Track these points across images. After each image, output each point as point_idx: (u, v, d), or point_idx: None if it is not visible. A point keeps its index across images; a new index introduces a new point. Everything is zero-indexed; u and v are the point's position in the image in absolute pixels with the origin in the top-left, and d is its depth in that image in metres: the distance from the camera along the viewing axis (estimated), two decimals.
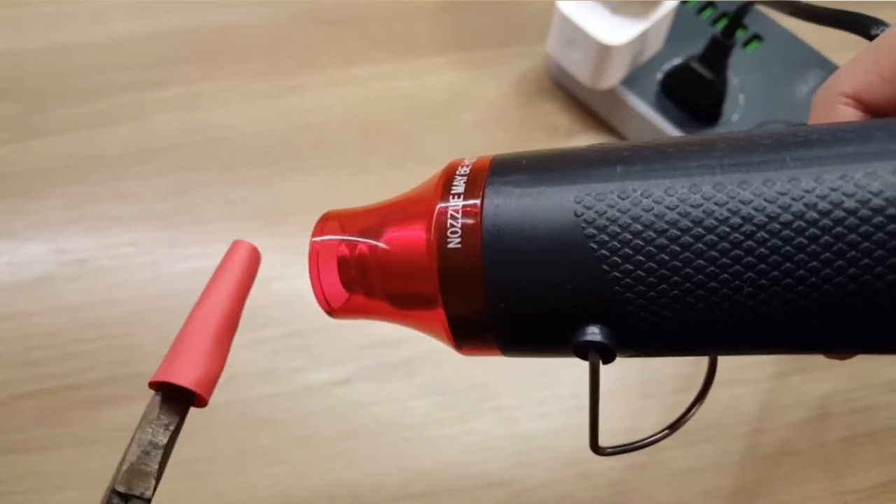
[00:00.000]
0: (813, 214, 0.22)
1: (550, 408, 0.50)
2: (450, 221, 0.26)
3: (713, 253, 0.23)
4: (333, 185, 0.57)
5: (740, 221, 0.22)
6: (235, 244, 0.31)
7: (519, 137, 0.59)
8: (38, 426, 0.48)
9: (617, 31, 0.52)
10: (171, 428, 0.28)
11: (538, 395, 0.50)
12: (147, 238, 0.54)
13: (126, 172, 0.56)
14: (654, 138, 0.26)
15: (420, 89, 0.61)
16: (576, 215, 0.24)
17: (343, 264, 0.29)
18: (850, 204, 0.21)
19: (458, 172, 0.27)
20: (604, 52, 0.53)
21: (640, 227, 0.23)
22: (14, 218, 0.54)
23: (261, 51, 0.62)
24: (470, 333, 0.27)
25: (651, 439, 0.28)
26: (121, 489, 0.27)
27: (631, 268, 0.24)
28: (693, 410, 0.29)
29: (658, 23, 0.54)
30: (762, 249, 0.22)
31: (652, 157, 0.24)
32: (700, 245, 0.23)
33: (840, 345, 0.24)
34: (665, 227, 0.23)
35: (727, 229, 0.23)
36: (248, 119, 0.59)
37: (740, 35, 0.58)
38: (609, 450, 0.27)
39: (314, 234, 0.30)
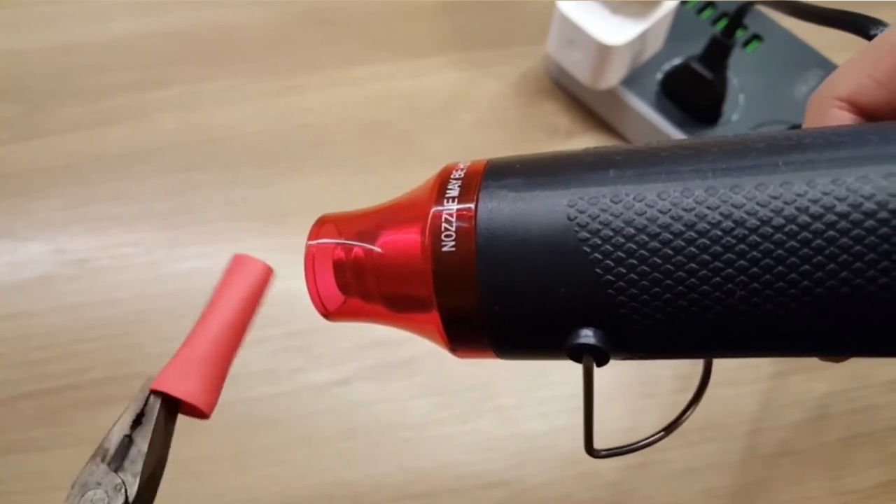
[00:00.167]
0: (805, 218, 0.22)
1: (550, 408, 0.50)
2: (444, 225, 0.26)
3: (705, 256, 0.23)
4: (333, 185, 0.57)
5: (732, 225, 0.22)
6: (259, 267, 0.32)
7: (519, 137, 0.59)
8: (38, 426, 0.48)
9: (617, 31, 0.52)
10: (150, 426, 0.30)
11: (538, 395, 0.50)
12: (147, 238, 0.54)
13: (126, 172, 0.57)
14: (647, 142, 0.26)
15: (420, 89, 0.61)
16: (569, 219, 0.24)
17: (339, 268, 0.29)
18: (841, 208, 0.21)
19: (452, 176, 0.27)
20: (604, 52, 0.53)
21: (632, 230, 0.23)
22: (14, 218, 0.54)
23: (261, 51, 0.62)
24: (465, 336, 0.27)
25: (646, 441, 0.28)
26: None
27: (624, 271, 0.24)
28: (689, 412, 0.29)
29: (658, 23, 0.54)
30: (754, 253, 0.22)
31: (645, 161, 0.25)
32: (692, 248, 0.23)
33: (833, 348, 0.25)
34: (658, 230, 0.23)
35: (719, 233, 0.23)
36: (248, 119, 0.59)
37: (740, 35, 0.58)
38: (604, 452, 0.27)
39: (310, 238, 0.30)
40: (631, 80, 0.57)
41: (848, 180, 0.22)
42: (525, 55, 0.63)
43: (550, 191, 0.25)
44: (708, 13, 0.59)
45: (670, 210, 0.23)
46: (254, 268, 0.32)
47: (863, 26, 0.31)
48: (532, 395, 0.50)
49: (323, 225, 0.30)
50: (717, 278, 0.23)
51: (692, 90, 0.54)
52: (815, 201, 0.22)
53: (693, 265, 0.23)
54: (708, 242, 0.23)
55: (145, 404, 0.30)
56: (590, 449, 0.27)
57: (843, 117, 0.26)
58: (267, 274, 0.32)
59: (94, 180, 0.56)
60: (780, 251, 0.22)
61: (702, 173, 0.23)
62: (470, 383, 0.50)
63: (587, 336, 0.25)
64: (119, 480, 0.29)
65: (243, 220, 0.55)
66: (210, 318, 0.32)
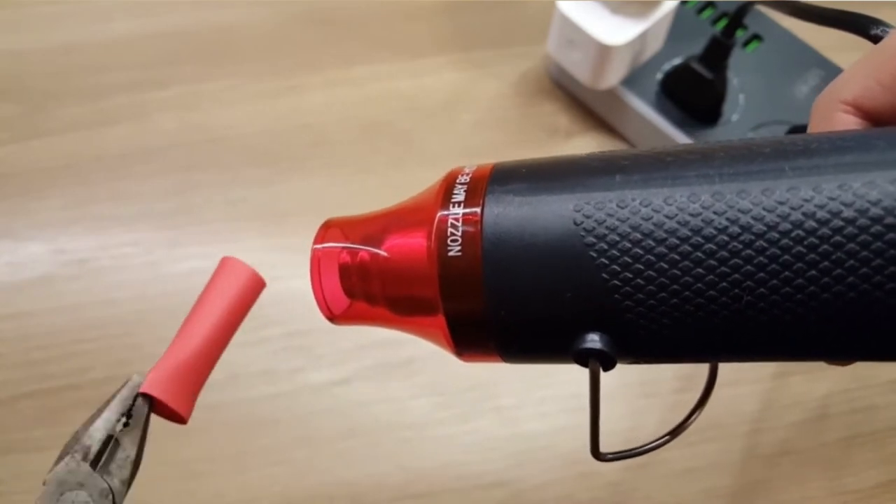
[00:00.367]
0: (811, 223, 0.22)
1: (550, 408, 0.50)
2: (450, 229, 0.26)
3: (712, 261, 0.23)
4: (333, 185, 0.57)
5: (739, 230, 0.22)
6: (248, 273, 0.32)
7: (519, 137, 0.59)
8: (38, 426, 0.48)
9: (617, 31, 0.52)
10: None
11: (538, 395, 0.50)
12: (147, 238, 0.54)
13: (126, 172, 0.56)
14: (653, 147, 0.26)
15: (420, 89, 0.61)
16: (575, 224, 0.24)
17: (344, 271, 0.29)
18: (848, 213, 0.22)
19: (458, 181, 0.27)
20: (604, 52, 0.53)
21: (639, 235, 0.23)
22: (14, 218, 0.54)
23: (261, 51, 0.62)
24: (471, 340, 0.27)
25: (652, 445, 0.28)
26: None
27: (630, 276, 0.24)
28: (694, 416, 0.29)
29: (658, 23, 0.54)
30: (761, 258, 0.22)
31: (651, 166, 0.25)
32: (699, 254, 0.23)
33: (839, 352, 0.25)
34: (664, 235, 0.23)
35: (726, 238, 0.23)
36: (248, 119, 0.59)
37: (740, 35, 0.58)
38: (610, 456, 0.27)
39: (316, 242, 0.30)
40: (631, 80, 0.57)
41: (854, 185, 0.22)
42: (525, 55, 0.62)
43: (557, 195, 0.25)
44: (708, 13, 0.59)
45: (677, 215, 0.23)
46: (242, 272, 0.32)
47: (863, 26, 0.31)
48: (532, 395, 0.50)
49: (329, 229, 0.30)
50: (724, 283, 0.23)
51: (692, 90, 0.54)
52: (821, 206, 0.22)
53: (700, 270, 0.23)
54: (714, 247, 0.23)
55: (132, 406, 0.30)
56: (596, 453, 0.27)
57: (848, 121, 0.26)
58: (255, 281, 0.32)
59: (94, 180, 0.56)
60: (786, 256, 0.22)
61: (708, 178, 0.23)
62: (470, 383, 0.50)
63: (593, 341, 0.25)
64: (105, 486, 0.28)
65: (243, 220, 0.55)
66: (197, 323, 0.31)
